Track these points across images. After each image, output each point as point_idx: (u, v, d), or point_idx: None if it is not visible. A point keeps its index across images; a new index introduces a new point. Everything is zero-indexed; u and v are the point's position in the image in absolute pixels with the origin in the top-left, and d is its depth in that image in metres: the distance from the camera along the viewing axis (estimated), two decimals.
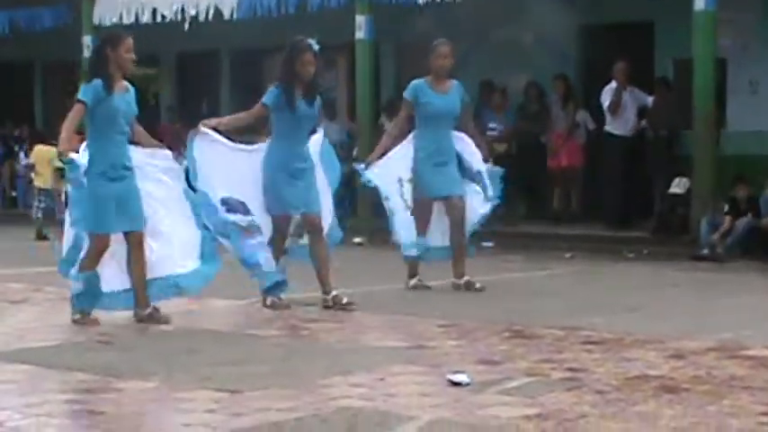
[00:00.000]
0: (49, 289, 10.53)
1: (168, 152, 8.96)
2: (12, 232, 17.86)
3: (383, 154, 10.38)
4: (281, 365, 6.94)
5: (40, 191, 17.53)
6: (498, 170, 10.66)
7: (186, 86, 20.94)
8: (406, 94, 10.37)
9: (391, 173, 10.36)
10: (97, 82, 8.52)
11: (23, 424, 5.53)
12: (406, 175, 10.40)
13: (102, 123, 8.51)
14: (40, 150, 18.10)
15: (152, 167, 8.82)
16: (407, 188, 10.41)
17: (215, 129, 9.31)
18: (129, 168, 8.62)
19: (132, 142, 8.82)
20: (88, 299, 8.63)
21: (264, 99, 9.34)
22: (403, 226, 10.40)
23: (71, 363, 7.08)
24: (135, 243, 8.65)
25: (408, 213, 10.40)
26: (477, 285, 10.20)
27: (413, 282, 10.36)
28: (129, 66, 8.65)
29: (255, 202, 9.35)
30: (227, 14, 16.91)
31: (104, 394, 6.24)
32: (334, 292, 9.34)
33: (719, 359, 6.96)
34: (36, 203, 17.48)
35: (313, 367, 6.91)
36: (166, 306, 8.80)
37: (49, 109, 22.85)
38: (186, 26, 17.23)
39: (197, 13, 17.15)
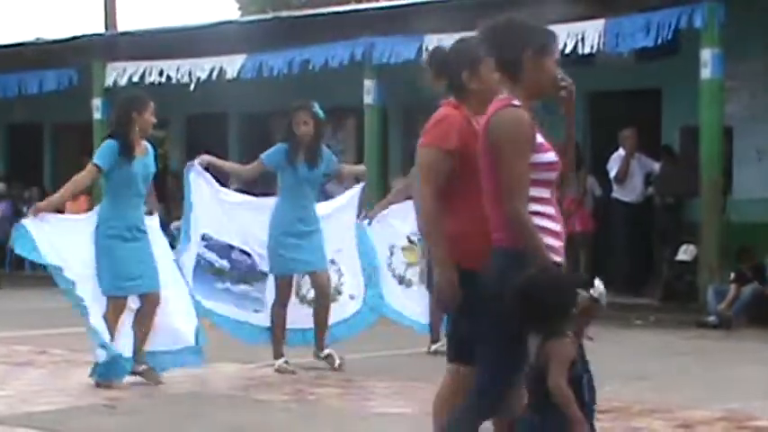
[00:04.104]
0: (55, 351, 10.49)
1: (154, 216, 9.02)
2: (18, 294, 17.85)
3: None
4: None
5: None
6: None
7: (195, 149, 21.00)
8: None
9: (386, 237, 10.29)
10: (114, 146, 8.55)
11: None
12: (401, 241, 10.39)
13: (119, 187, 8.55)
14: None
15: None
16: (398, 258, 10.39)
17: (207, 168, 9.44)
18: (143, 231, 8.66)
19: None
20: (109, 369, 8.55)
21: (264, 155, 9.47)
22: (396, 301, 10.35)
23: (75, 428, 7.04)
24: (151, 302, 8.61)
25: (398, 285, 10.37)
26: None
27: (435, 346, 10.29)
28: (150, 129, 8.74)
29: (257, 256, 9.43)
30: (231, 75, 16.97)
31: None
32: (327, 351, 9.40)
33: (728, 430, 6.91)
34: None
35: None
36: (176, 368, 8.75)
37: (58, 171, 22.90)
38: (192, 87, 17.30)
39: (203, 75, 17.22)
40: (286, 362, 9.30)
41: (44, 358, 10.21)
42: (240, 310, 9.42)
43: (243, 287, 9.42)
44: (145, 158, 8.71)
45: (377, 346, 10.67)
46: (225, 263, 9.38)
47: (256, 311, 9.46)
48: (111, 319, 8.55)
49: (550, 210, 4.80)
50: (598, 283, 4.82)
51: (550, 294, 4.56)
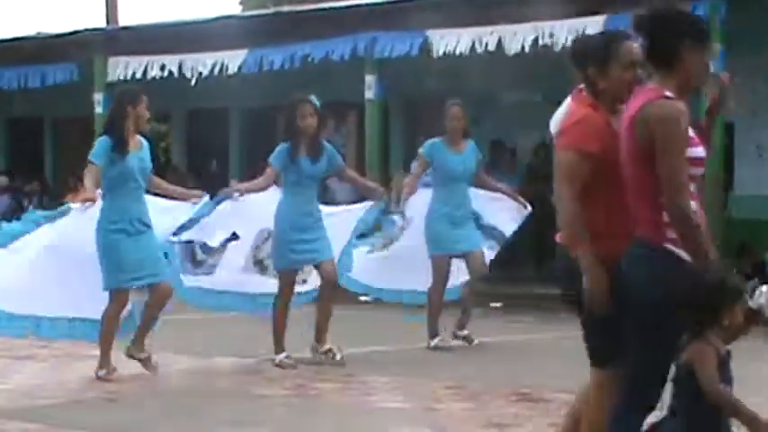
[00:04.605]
0: (56, 345, 10.48)
1: (187, 204, 9.03)
2: None
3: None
4: (286, 427, 6.91)
5: None
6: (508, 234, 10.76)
7: (197, 143, 21.04)
8: (421, 151, 10.41)
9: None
10: (107, 142, 8.58)
11: None
12: None
13: (117, 182, 8.57)
14: None
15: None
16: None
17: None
18: (146, 224, 8.64)
19: (156, 194, 8.92)
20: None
21: (271, 159, 9.41)
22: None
23: (76, 421, 7.05)
24: (161, 293, 8.65)
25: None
26: (475, 341, 10.26)
27: (434, 341, 10.33)
28: (145, 123, 8.76)
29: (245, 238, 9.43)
30: (232, 70, 16.97)
31: None
32: (327, 346, 9.36)
33: None
34: None
35: (319, 429, 6.88)
36: (175, 362, 8.77)
37: (58, 165, 22.93)
38: (193, 82, 17.30)
39: (204, 70, 17.23)
40: (287, 356, 9.30)
41: (45, 352, 10.21)
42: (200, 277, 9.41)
43: (210, 261, 9.43)
44: (139, 152, 8.74)
45: (378, 342, 10.68)
46: (205, 255, 9.39)
47: (207, 274, 9.42)
48: (112, 314, 8.56)
49: (696, 205, 4.70)
50: (766, 289, 4.77)
51: (714, 295, 4.48)
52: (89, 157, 8.63)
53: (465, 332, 10.38)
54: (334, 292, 9.47)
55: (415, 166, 10.56)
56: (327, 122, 10.02)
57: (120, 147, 8.59)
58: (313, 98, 9.44)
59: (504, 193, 10.79)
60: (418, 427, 6.86)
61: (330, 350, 9.38)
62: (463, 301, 10.44)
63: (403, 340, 10.62)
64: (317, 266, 9.42)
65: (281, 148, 9.40)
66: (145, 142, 8.86)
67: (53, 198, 21.37)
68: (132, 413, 7.40)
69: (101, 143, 8.66)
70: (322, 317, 9.44)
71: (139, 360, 8.73)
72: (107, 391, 8.16)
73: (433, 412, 7.38)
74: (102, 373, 8.56)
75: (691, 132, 4.69)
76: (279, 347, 9.34)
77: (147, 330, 8.77)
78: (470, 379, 8.66)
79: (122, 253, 8.48)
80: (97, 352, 8.82)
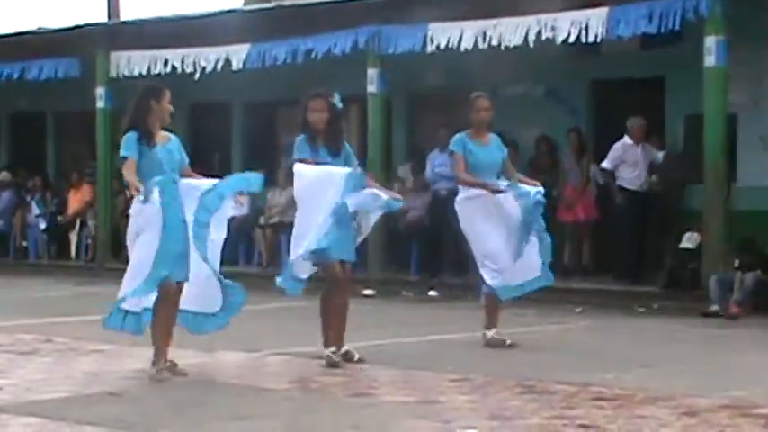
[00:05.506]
0: (59, 339, 10.52)
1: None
2: (22, 283, 17.87)
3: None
4: (290, 420, 6.91)
5: None
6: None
7: (199, 138, 21.03)
8: (454, 148, 10.22)
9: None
10: (133, 135, 8.50)
11: None
12: None
13: (145, 174, 8.44)
14: None
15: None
16: None
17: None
18: (181, 218, 8.48)
19: None
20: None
21: (298, 155, 9.16)
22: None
23: (80, 416, 7.05)
24: (174, 293, 8.53)
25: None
26: (508, 342, 10.11)
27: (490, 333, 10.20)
28: (169, 117, 8.71)
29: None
30: (236, 65, 16.99)
31: None
32: (345, 348, 9.24)
33: (732, 417, 6.91)
34: None
35: (323, 422, 6.88)
36: (179, 357, 8.77)
37: (61, 160, 22.93)
38: (197, 77, 17.31)
39: (207, 65, 17.23)
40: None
41: (49, 346, 10.23)
42: None
43: None
44: (168, 144, 8.67)
45: (381, 335, 10.68)
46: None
47: None
48: (161, 308, 8.46)
49: None
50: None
51: None
52: (121, 154, 8.49)
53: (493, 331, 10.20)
54: (344, 297, 9.21)
55: (452, 165, 10.30)
56: (343, 119, 9.67)
57: (146, 139, 8.52)
58: (334, 94, 9.28)
59: (521, 181, 10.57)
60: (422, 419, 6.86)
61: (348, 352, 9.18)
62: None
63: (406, 333, 10.61)
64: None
65: (300, 138, 9.22)
66: (173, 136, 8.80)
67: (55, 194, 21.41)
68: (136, 407, 7.40)
69: (128, 137, 8.51)
70: (339, 318, 9.17)
71: (164, 369, 8.46)
72: (111, 385, 8.16)
73: (437, 405, 7.38)
74: (155, 368, 8.43)
75: None
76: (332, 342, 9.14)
77: (169, 338, 8.58)
78: (474, 371, 8.66)
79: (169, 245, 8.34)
80: (99, 347, 8.82)
